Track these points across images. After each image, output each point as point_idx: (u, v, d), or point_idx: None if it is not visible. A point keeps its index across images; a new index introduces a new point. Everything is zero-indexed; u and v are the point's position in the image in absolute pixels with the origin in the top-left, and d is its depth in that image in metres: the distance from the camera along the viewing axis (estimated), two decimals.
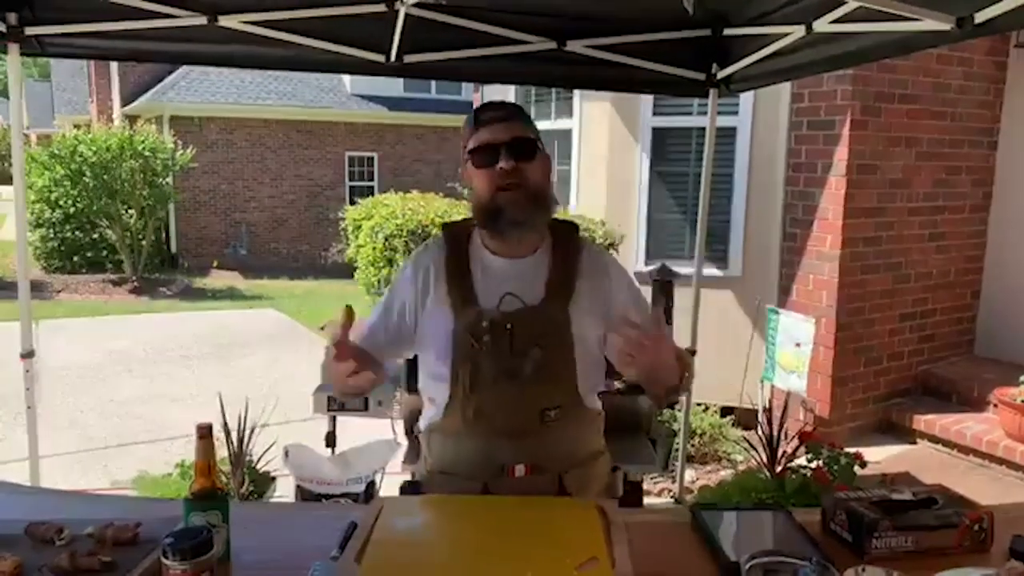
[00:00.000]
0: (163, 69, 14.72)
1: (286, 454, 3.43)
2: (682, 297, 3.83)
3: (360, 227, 7.13)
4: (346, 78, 15.36)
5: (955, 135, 4.89)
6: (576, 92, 5.84)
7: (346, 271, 8.82)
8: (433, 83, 15.43)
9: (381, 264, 6.48)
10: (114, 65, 15.80)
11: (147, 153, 12.07)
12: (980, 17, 2.16)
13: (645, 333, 1.37)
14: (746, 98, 4.97)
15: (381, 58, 3.09)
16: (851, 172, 4.47)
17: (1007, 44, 5.00)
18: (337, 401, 3.25)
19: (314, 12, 2.82)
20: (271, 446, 3.71)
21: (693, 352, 3.77)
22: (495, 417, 1.57)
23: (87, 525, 1.39)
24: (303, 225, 15.48)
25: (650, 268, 4.71)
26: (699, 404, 4.70)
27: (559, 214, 5.75)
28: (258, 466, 3.73)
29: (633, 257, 5.39)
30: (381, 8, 2.78)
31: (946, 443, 4.50)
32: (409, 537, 1.32)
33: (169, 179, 12.82)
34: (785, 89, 4.73)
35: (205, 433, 1.33)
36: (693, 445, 4.51)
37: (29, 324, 2.96)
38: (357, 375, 1.48)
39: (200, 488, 1.32)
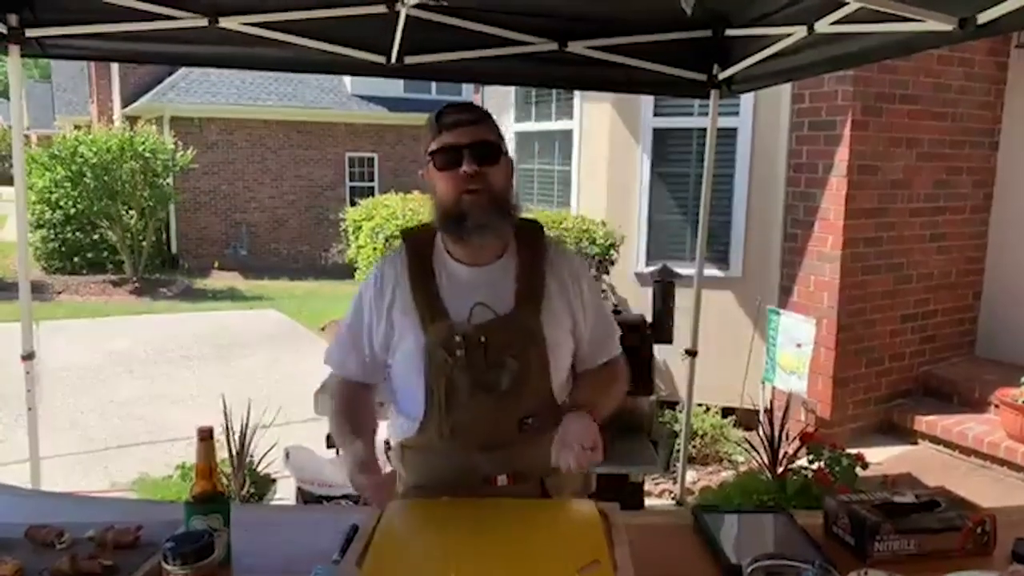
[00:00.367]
0: (163, 70, 14.73)
1: (287, 456, 3.43)
2: (683, 298, 3.83)
3: (360, 228, 7.12)
4: (346, 79, 15.37)
5: (956, 136, 4.88)
6: (577, 93, 5.84)
7: (346, 272, 8.82)
8: (433, 84, 15.41)
9: None
10: (115, 66, 15.80)
11: (147, 154, 12.08)
12: (982, 18, 2.16)
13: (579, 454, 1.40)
14: (747, 99, 4.97)
15: (382, 59, 3.08)
16: (852, 173, 4.47)
17: (1008, 45, 4.99)
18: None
19: (314, 13, 2.82)
20: (272, 448, 3.71)
21: (694, 353, 3.78)
22: (473, 431, 1.54)
23: (88, 528, 1.39)
24: (303, 226, 15.49)
25: (651, 269, 4.71)
26: (700, 405, 4.69)
27: (564, 215, 5.74)
28: (259, 468, 3.72)
29: (634, 258, 5.39)
30: (382, 9, 2.78)
31: (947, 444, 4.50)
32: (411, 540, 1.32)
33: (169, 180, 12.83)
34: (786, 90, 4.73)
35: (206, 435, 1.33)
36: (694, 446, 4.51)
37: (30, 325, 2.96)
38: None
39: (201, 491, 1.32)
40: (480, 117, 1.57)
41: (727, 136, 4.95)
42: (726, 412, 4.90)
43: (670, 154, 5.34)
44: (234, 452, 3.59)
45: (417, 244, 1.65)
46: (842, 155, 4.47)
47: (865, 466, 3.60)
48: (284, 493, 3.75)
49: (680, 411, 4.14)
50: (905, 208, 4.74)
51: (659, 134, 5.33)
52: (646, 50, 3.22)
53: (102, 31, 2.78)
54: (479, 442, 1.55)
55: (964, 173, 5.00)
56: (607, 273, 5.28)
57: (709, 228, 3.79)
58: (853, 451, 3.65)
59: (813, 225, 4.68)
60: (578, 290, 1.65)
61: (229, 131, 14.84)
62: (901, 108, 4.59)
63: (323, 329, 8.34)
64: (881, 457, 4.39)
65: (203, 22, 2.78)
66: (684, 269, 4.20)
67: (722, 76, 3.38)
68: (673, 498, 3.99)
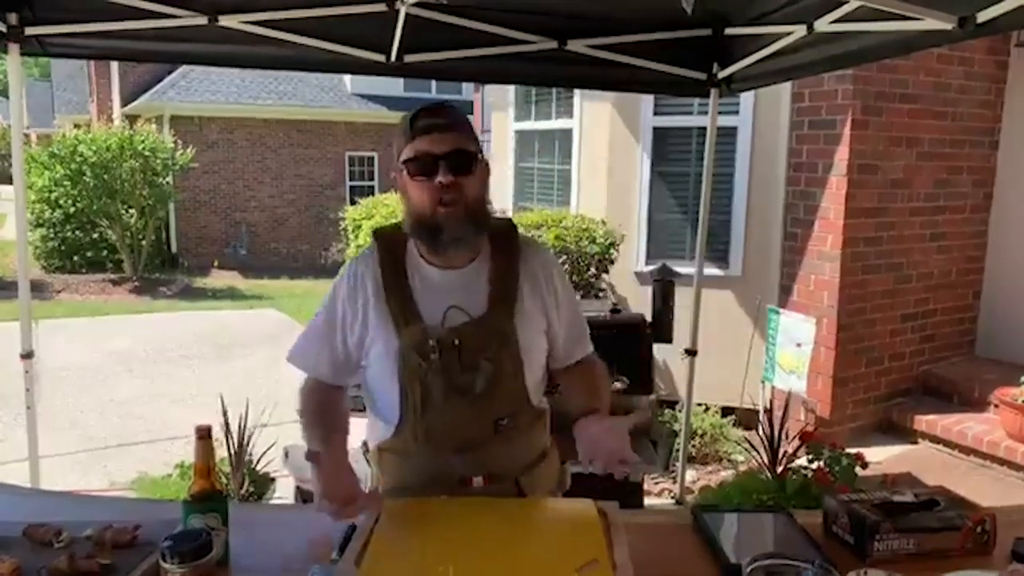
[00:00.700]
0: (163, 69, 14.72)
1: (286, 455, 3.43)
2: (683, 297, 3.83)
3: (360, 227, 7.12)
4: (346, 78, 15.36)
5: (956, 135, 4.88)
6: (577, 92, 5.84)
7: None
8: (433, 83, 15.38)
9: None
10: (114, 65, 15.80)
11: (147, 153, 12.08)
12: (982, 17, 2.16)
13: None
14: (747, 98, 4.97)
15: (381, 58, 3.08)
16: (852, 172, 4.46)
17: (1008, 44, 4.99)
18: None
19: (314, 12, 2.82)
20: (271, 447, 3.71)
21: (694, 352, 3.77)
22: (448, 434, 1.53)
23: (86, 527, 1.39)
24: (303, 225, 15.48)
25: (651, 268, 4.71)
26: (700, 404, 4.69)
27: (564, 214, 5.72)
28: (258, 467, 3.72)
29: (634, 257, 5.38)
30: (381, 8, 2.77)
31: (947, 444, 4.49)
32: (409, 540, 1.31)
33: (169, 179, 12.83)
34: (786, 89, 4.72)
35: (204, 435, 1.33)
36: (694, 446, 4.51)
37: (29, 324, 2.96)
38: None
39: (199, 490, 1.32)
40: (455, 122, 1.52)
41: (727, 135, 4.95)
42: (726, 411, 4.90)
43: (670, 153, 5.34)
44: (233, 451, 3.59)
45: (390, 245, 1.61)
46: (842, 154, 4.47)
47: (865, 465, 3.60)
48: (283, 492, 3.75)
49: (680, 410, 4.14)
50: (905, 207, 4.74)
51: (659, 133, 5.33)
52: (646, 49, 3.21)
53: (102, 29, 2.78)
54: (454, 444, 1.54)
55: (964, 172, 4.99)
56: (607, 272, 5.28)
57: (709, 227, 3.78)
58: (853, 450, 3.65)
59: (813, 224, 4.68)
60: (552, 290, 1.64)
61: (229, 130, 14.83)
62: (901, 107, 4.59)
63: None
64: (881, 456, 4.39)
65: (203, 20, 2.77)
66: (684, 268, 4.20)
67: (722, 75, 3.38)
68: (673, 497, 3.99)
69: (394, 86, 15.31)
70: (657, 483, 4.17)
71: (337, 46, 3.00)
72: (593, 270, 5.15)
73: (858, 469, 3.56)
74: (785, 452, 3.73)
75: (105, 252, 12.76)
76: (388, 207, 6.71)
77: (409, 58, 3.08)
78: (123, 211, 12.20)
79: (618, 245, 5.24)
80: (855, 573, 1.21)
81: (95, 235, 12.61)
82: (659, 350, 3.87)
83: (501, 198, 7.12)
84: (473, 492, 1.53)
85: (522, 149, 6.83)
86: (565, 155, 6.13)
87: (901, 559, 1.36)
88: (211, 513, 1.32)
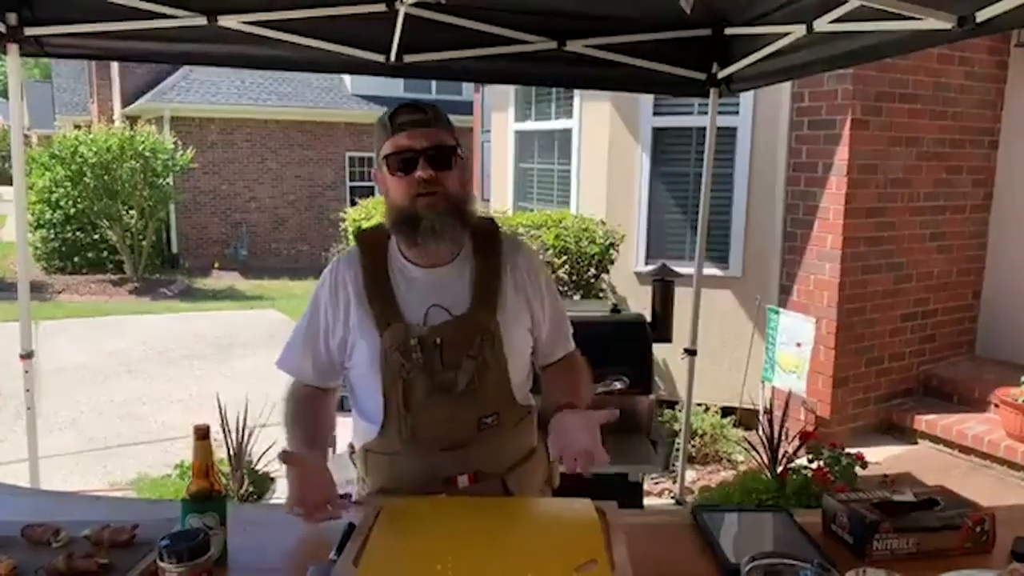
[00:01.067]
0: (164, 70, 14.72)
1: None
2: (682, 297, 3.82)
3: (360, 226, 7.13)
4: (346, 78, 15.36)
5: (956, 135, 4.88)
6: (576, 92, 5.84)
7: None
8: (433, 83, 15.39)
9: None
10: (115, 66, 15.80)
11: (147, 153, 12.08)
12: (981, 16, 2.15)
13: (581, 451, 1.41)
14: (746, 98, 4.96)
15: (381, 58, 3.08)
16: (852, 172, 4.46)
17: (1008, 44, 4.98)
18: (338, 401, 3.24)
19: (314, 12, 2.82)
20: (271, 447, 3.70)
21: (693, 352, 3.77)
22: (433, 433, 1.53)
23: (84, 527, 1.39)
24: (303, 225, 15.48)
25: (650, 268, 4.71)
26: (700, 404, 4.69)
27: (564, 214, 5.71)
28: (257, 467, 3.72)
29: (633, 257, 5.38)
30: (381, 8, 2.78)
31: (947, 443, 4.49)
32: (408, 539, 1.31)
33: (169, 179, 12.83)
34: (785, 89, 4.72)
35: (203, 434, 1.32)
36: (694, 445, 4.50)
37: (29, 325, 2.96)
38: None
39: (198, 489, 1.32)
40: (435, 118, 1.52)
41: (727, 135, 4.95)
42: (726, 411, 4.90)
43: (669, 153, 5.34)
44: (232, 451, 3.59)
45: (372, 245, 1.62)
46: (842, 154, 4.46)
47: (864, 465, 3.60)
48: (283, 492, 3.74)
49: (679, 410, 4.14)
50: (905, 207, 4.73)
51: (658, 133, 5.33)
52: (645, 49, 3.21)
53: (101, 30, 2.77)
54: (439, 443, 1.54)
55: (964, 172, 4.99)
56: (607, 272, 5.27)
57: (708, 227, 3.78)
58: (853, 450, 3.65)
59: (813, 224, 4.68)
60: (536, 286, 1.64)
61: (229, 131, 14.84)
62: (901, 107, 4.59)
63: None
64: (881, 456, 4.39)
65: (202, 21, 2.77)
66: (683, 268, 4.19)
67: (721, 75, 3.38)
68: (672, 497, 3.98)
69: (394, 86, 15.28)
70: (657, 483, 4.17)
71: (337, 46, 3.00)
72: (593, 270, 5.15)
73: (858, 469, 3.56)
74: (785, 452, 3.72)
75: (105, 253, 12.76)
76: None
77: (409, 58, 3.08)
78: (123, 212, 12.20)
79: (618, 245, 5.24)
80: (854, 572, 1.21)
81: (95, 236, 12.61)
82: (659, 350, 3.86)
83: (501, 198, 7.13)
84: (458, 491, 1.53)
85: (522, 149, 6.83)
86: (565, 155, 6.13)
87: (900, 558, 1.36)
88: (209, 513, 1.31)
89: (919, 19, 2.26)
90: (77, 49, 2.96)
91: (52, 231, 12.52)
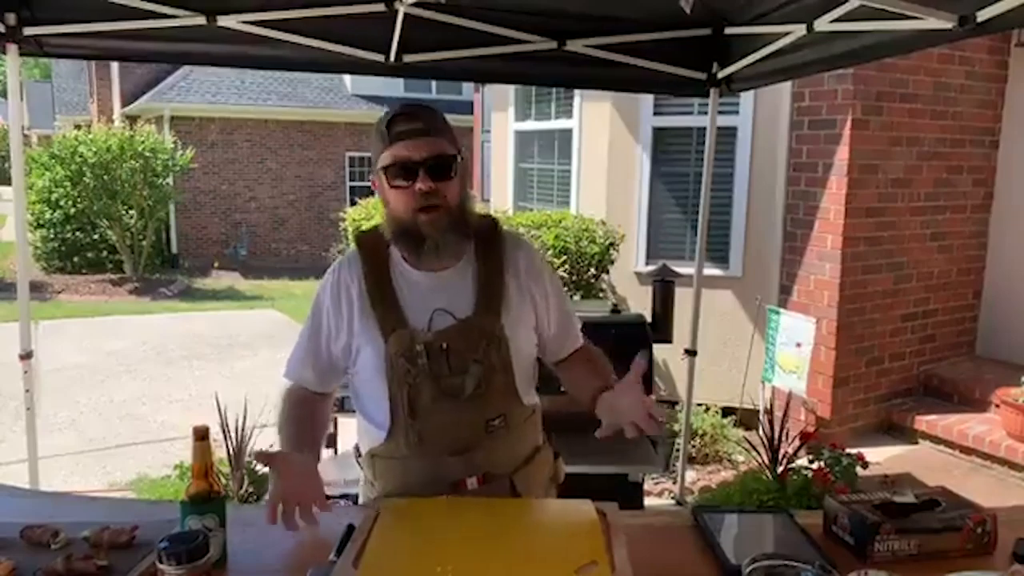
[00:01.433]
0: (163, 69, 14.73)
1: None
2: (682, 297, 3.82)
3: (360, 227, 7.13)
4: (346, 78, 15.36)
5: (956, 134, 4.88)
6: (576, 92, 5.83)
7: None
8: (433, 83, 15.40)
9: None
10: (114, 65, 15.81)
11: (147, 153, 12.08)
12: (982, 15, 2.15)
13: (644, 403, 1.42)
14: (747, 97, 4.96)
15: (381, 58, 3.08)
16: (852, 172, 4.46)
17: (1008, 44, 4.98)
18: (338, 401, 3.24)
19: (313, 12, 2.82)
20: (270, 447, 3.70)
21: (694, 352, 3.77)
22: (441, 437, 1.52)
23: (83, 528, 1.38)
24: (303, 225, 15.48)
25: (650, 268, 4.71)
26: (700, 405, 4.69)
27: (564, 215, 5.68)
28: (257, 467, 3.72)
29: (633, 257, 5.38)
30: (380, 8, 2.77)
31: (948, 444, 4.49)
32: (408, 540, 1.31)
33: (169, 179, 12.83)
34: (786, 88, 4.72)
35: (202, 435, 1.32)
36: (694, 446, 4.50)
37: (28, 325, 2.95)
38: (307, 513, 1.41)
39: (197, 490, 1.32)
40: (433, 125, 1.49)
41: (727, 135, 4.95)
42: (726, 412, 4.90)
43: (670, 153, 5.33)
44: (232, 451, 3.58)
45: (372, 248, 1.59)
46: (842, 154, 4.46)
47: (865, 466, 3.60)
48: None
49: (680, 411, 4.13)
50: (905, 207, 4.73)
51: (659, 133, 5.32)
52: (645, 49, 3.21)
53: (101, 30, 2.77)
54: (447, 447, 1.53)
55: (964, 172, 4.99)
56: (607, 272, 5.27)
57: (709, 227, 3.78)
58: (853, 451, 3.65)
59: (813, 224, 4.67)
60: (540, 285, 1.63)
61: (229, 131, 14.84)
62: (901, 107, 4.59)
63: None
64: (881, 457, 4.39)
65: (202, 20, 2.77)
66: (684, 268, 4.19)
67: (722, 74, 3.37)
68: (673, 498, 3.98)
69: (394, 86, 15.29)
70: (657, 483, 4.16)
71: (336, 46, 2.99)
72: (593, 270, 5.14)
73: (858, 469, 3.56)
74: (785, 452, 3.72)
75: (105, 253, 12.76)
76: None
77: (408, 58, 3.08)
78: (123, 212, 12.20)
79: (618, 245, 5.24)
80: (855, 574, 1.20)
81: (95, 236, 12.61)
82: (659, 350, 3.86)
83: (501, 198, 7.12)
84: (467, 493, 1.53)
85: (522, 149, 6.83)
86: (565, 155, 6.13)
87: (902, 560, 1.35)
88: (209, 514, 1.31)
89: (920, 19, 2.25)
90: (76, 49, 2.96)
91: (52, 231, 12.52)
